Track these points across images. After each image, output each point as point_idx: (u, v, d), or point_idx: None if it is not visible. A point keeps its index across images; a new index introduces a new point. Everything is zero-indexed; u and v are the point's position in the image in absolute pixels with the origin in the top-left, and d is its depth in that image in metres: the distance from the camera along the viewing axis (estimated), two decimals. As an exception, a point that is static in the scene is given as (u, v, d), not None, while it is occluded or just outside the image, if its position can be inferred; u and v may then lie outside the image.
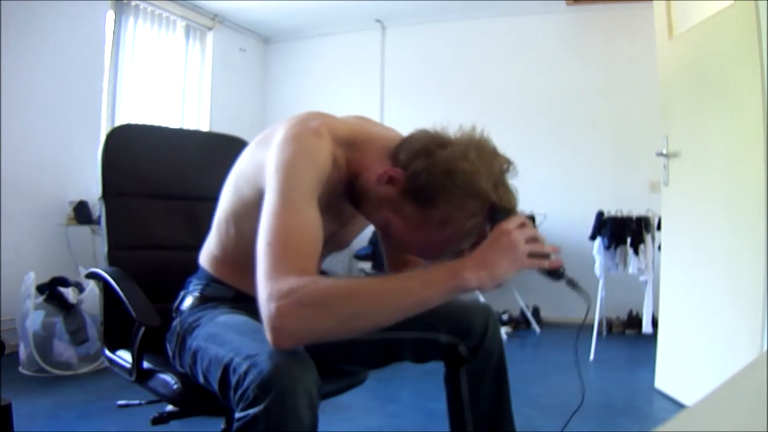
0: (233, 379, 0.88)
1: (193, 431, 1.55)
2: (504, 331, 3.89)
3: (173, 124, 4.49)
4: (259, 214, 0.94)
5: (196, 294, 1.19)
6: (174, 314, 1.21)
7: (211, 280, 1.19)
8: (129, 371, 1.21)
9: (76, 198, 3.39)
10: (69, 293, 2.86)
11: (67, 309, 2.82)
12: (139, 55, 4.16)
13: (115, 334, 1.35)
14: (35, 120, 3.36)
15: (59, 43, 3.48)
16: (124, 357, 1.28)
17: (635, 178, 4.25)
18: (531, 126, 4.58)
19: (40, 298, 2.83)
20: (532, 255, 0.91)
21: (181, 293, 1.23)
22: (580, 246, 3.94)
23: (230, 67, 5.00)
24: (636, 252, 3.38)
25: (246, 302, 1.07)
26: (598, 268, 3.50)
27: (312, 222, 0.92)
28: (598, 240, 3.48)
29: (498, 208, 0.95)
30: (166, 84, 4.44)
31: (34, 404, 2.34)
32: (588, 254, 3.60)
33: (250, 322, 1.01)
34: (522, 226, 0.92)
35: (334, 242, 1.19)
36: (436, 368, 1.24)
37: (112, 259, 1.37)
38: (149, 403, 1.29)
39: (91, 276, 1.37)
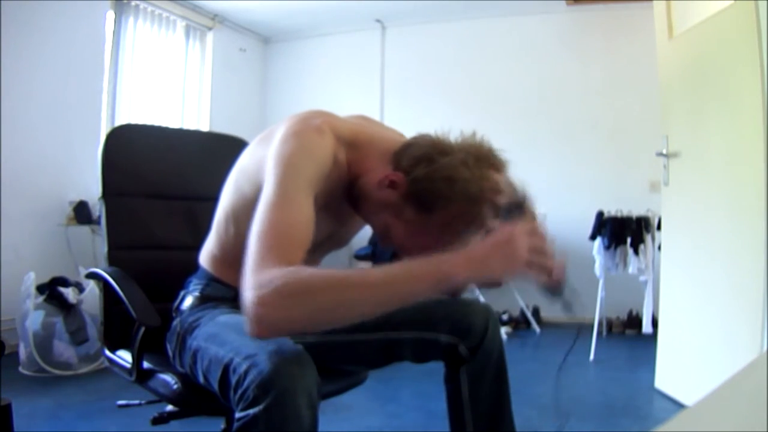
0: (233, 379, 0.88)
1: (193, 431, 1.55)
2: (504, 331, 3.89)
3: (173, 124, 4.49)
4: None
5: (196, 294, 1.19)
6: (174, 314, 1.21)
7: (211, 280, 1.19)
8: (129, 371, 1.21)
9: (76, 198, 3.39)
10: (69, 293, 2.86)
11: (67, 309, 2.82)
12: (139, 55, 4.15)
13: (115, 334, 1.35)
14: (35, 120, 3.36)
15: (59, 43, 3.48)
16: (124, 357, 1.28)
17: (635, 178, 4.25)
18: (531, 126, 4.58)
19: (40, 298, 2.83)
20: (532, 265, 0.87)
21: (181, 293, 1.23)
22: (580, 246, 3.94)
23: (230, 67, 5.00)
24: (636, 252, 3.38)
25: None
26: (598, 268, 3.50)
27: (305, 216, 0.92)
28: (598, 240, 3.48)
29: (511, 205, 0.94)
30: (166, 84, 4.44)
31: (34, 404, 2.34)
32: (588, 254, 3.59)
33: None
34: (532, 233, 0.88)
35: (333, 241, 1.20)
36: (436, 368, 1.24)
37: (112, 259, 1.37)
38: (149, 403, 1.29)
39: (91, 276, 1.37)
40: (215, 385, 0.96)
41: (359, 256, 4.55)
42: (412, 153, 1.01)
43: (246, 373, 0.86)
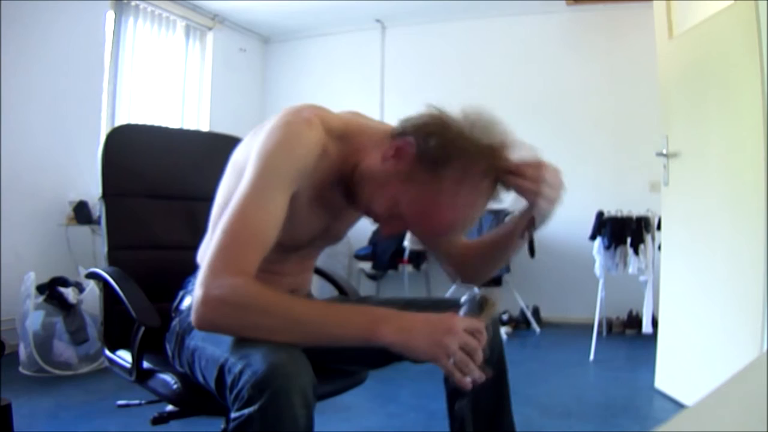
0: (228, 379, 0.89)
1: (193, 431, 1.55)
2: (504, 331, 3.89)
3: (173, 124, 4.49)
4: None
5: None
6: (173, 314, 1.21)
7: (209, 280, 1.19)
8: (129, 371, 1.21)
9: (76, 198, 3.40)
10: (69, 293, 2.86)
11: (67, 309, 2.82)
12: (139, 55, 4.16)
13: (115, 334, 1.35)
14: (35, 120, 3.37)
15: (59, 43, 3.48)
16: (124, 357, 1.28)
17: (635, 178, 4.25)
18: (531, 126, 4.53)
19: (40, 298, 2.83)
20: (454, 363, 0.86)
21: (180, 293, 1.23)
22: (580, 246, 3.94)
23: (230, 67, 5.00)
24: (636, 252, 3.38)
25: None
26: (598, 268, 3.50)
27: (272, 215, 0.95)
28: (598, 240, 3.48)
29: (474, 299, 0.96)
30: (166, 84, 4.44)
31: (34, 404, 2.34)
32: (588, 254, 3.60)
33: None
34: (473, 332, 0.88)
35: (327, 235, 1.19)
36: (436, 368, 1.23)
37: (112, 259, 1.38)
38: (149, 403, 1.29)
39: (91, 276, 1.37)
40: (212, 385, 0.96)
41: (359, 256, 4.55)
42: (416, 120, 1.01)
43: (241, 372, 0.86)
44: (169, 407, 1.19)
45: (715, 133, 2.35)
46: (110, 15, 3.89)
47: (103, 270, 1.31)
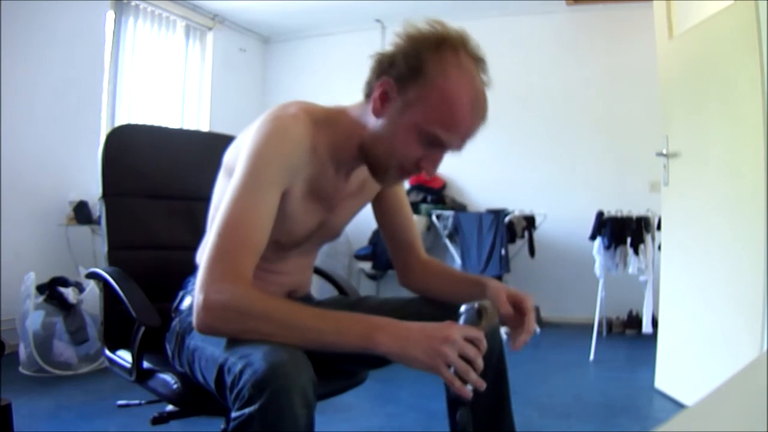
0: (228, 379, 0.89)
1: (193, 431, 1.55)
2: (504, 331, 3.88)
3: (173, 124, 4.49)
4: None
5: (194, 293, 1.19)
6: (173, 314, 1.21)
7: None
8: (129, 371, 1.21)
9: (76, 198, 3.39)
10: (69, 293, 2.85)
11: (67, 309, 2.82)
12: (139, 55, 4.16)
13: (115, 334, 1.35)
14: (35, 120, 3.36)
15: (59, 43, 3.48)
16: (124, 357, 1.28)
17: (635, 178, 4.25)
18: (531, 126, 4.58)
19: (40, 298, 2.83)
20: (452, 371, 0.87)
21: (180, 293, 1.23)
22: (580, 246, 3.95)
23: (230, 67, 5.00)
24: (636, 252, 3.38)
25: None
26: (598, 268, 3.50)
27: (264, 214, 0.97)
28: (598, 240, 3.48)
29: (472, 307, 0.96)
30: (166, 84, 4.44)
31: (34, 404, 2.34)
32: (588, 254, 3.60)
33: None
34: (472, 340, 0.89)
35: (324, 230, 1.19)
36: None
37: (112, 259, 1.37)
38: (149, 403, 1.28)
39: (91, 276, 1.37)
40: (212, 385, 0.96)
41: (359, 256, 4.55)
42: (373, 65, 1.06)
43: (241, 372, 0.86)
44: (169, 407, 1.19)
45: (715, 133, 2.35)
46: (110, 15, 3.89)
47: (103, 270, 1.31)
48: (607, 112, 4.43)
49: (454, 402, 1.12)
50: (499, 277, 4.05)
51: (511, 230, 4.08)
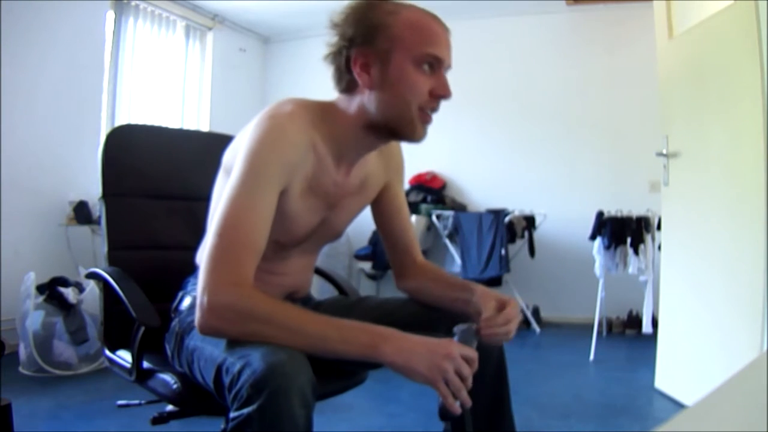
0: (227, 379, 0.89)
1: (193, 431, 1.55)
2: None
3: (173, 124, 4.49)
4: None
5: (194, 294, 1.18)
6: (173, 314, 1.21)
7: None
8: (129, 371, 1.21)
9: (76, 198, 3.39)
10: (69, 293, 2.85)
11: (67, 309, 2.82)
12: (139, 55, 4.15)
13: (115, 334, 1.35)
14: (35, 120, 3.36)
15: (59, 43, 3.48)
16: (124, 357, 1.28)
17: (635, 178, 4.25)
18: (531, 126, 4.57)
19: (40, 298, 2.83)
20: (448, 386, 0.91)
21: (180, 293, 1.23)
22: (580, 246, 3.95)
23: (230, 67, 5.00)
24: (636, 252, 3.38)
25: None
26: (598, 268, 3.50)
27: (263, 214, 0.97)
28: (598, 240, 3.48)
29: (469, 328, 1.01)
30: (166, 84, 4.44)
31: (34, 404, 2.34)
32: (588, 254, 3.60)
33: None
34: (467, 359, 0.92)
35: (325, 229, 1.19)
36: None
37: (112, 259, 1.37)
38: (149, 403, 1.28)
39: (91, 276, 1.37)
40: (211, 385, 0.96)
41: (359, 256, 4.55)
42: (331, 44, 1.11)
43: (240, 372, 0.86)
44: (169, 407, 1.19)
45: (715, 133, 2.35)
46: (110, 15, 3.89)
47: (103, 270, 1.31)
48: (607, 112, 4.43)
49: (442, 415, 1.13)
50: (499, 277, 4.05)
51: (511, 230, 4.08)
